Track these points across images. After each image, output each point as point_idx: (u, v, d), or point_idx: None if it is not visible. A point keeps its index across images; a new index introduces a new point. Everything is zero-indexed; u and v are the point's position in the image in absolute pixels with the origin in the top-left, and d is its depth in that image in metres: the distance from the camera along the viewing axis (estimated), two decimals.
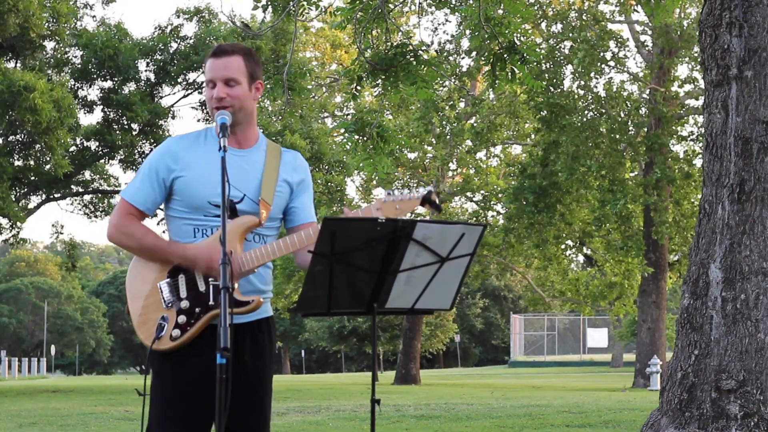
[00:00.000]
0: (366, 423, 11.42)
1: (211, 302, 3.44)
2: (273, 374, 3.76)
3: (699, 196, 17.06)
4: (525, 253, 27.58)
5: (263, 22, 19.88)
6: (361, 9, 9.12)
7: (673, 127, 25.25)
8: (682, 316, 5.99)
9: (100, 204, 26.60)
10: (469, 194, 29.17)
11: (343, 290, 3.51)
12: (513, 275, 50.31)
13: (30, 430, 11.41)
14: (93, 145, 24.98)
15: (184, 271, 3.55)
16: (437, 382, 31.29)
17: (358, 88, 9.67)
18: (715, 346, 5.73)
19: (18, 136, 23.26)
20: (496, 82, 9.05)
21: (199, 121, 26.05)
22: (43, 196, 25.70)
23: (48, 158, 22.75)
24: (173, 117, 25.25)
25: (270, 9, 9.93)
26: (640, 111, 24.93)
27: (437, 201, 3.56)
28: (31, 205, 25.78)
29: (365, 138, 10.02)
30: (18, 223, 23.57)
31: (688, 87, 25.56)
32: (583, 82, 23.84)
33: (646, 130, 25.01)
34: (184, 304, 3.52)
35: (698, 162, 24.91)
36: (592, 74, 23.76)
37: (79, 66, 24.37)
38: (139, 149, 24.97)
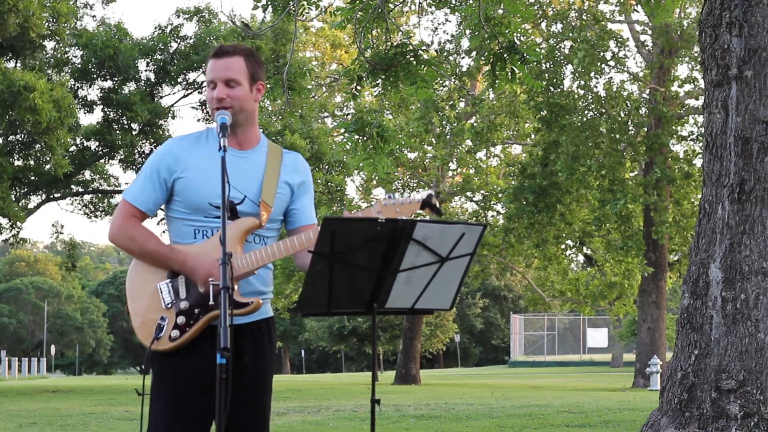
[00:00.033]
0: (366, 423, 11.42)
1: (210, 302, 3.44)
2: (273, 375, 3.76)
3: (699, 196, 17.06)
4: (525, 253, 27.58)
5: (263, 21, 19.89)
6: (361, 9, 9.12)
7: (673, 127, 25.25)
8: (682, 316, 5.99)
9: (100, 204, 26.60)
10: (469, 194, 29.17)
11: (343, 290, 3.51)
12: (513, 275, 50.34)
13: (30, 430, 11.41)
14: (93, 145, 24.97)
15: None
16: (437, 382, 31.29)
17: (358, 87, 9.67)
18: (715, 346, 5.73)
19: (18, 135, 23.26)
20: (496, 81, 9.04)
21: (199, 121, 26.06)
22: (43, 196, 25.70)
23: (48, 158, 22.75)
24: (173, 117, 25.26)
25: (270, 9, 9.93)
26: (640, 111, 24.93)
27: (437, 204, 3.57)
28: (31, 205, 25.79)
29: (365, 138, 10.01)
30: (18, 223, 23.57)
31: (688, 87, 25.56)
32: (583, 82, 23.84)
33: (646, 129, 25.01)
34: (184, 304, 3.52)
35: (698, 162, 24.91)
36: (592, 74, 23.76)
37: (79, 66, 24.37)
38: (139, 149, 24.96)
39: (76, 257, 27.66)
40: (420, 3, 12.13)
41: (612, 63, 24.55)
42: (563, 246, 27.39)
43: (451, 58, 25.22)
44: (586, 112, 24.18)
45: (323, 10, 9.55)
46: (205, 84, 3.72)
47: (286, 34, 21.71)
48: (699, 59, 8.96)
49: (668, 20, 21.43)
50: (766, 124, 5.78)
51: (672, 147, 25.67)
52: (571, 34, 23.56)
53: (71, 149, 24.01)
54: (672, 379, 5.88)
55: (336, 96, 31.66)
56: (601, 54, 23.83)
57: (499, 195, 27.43)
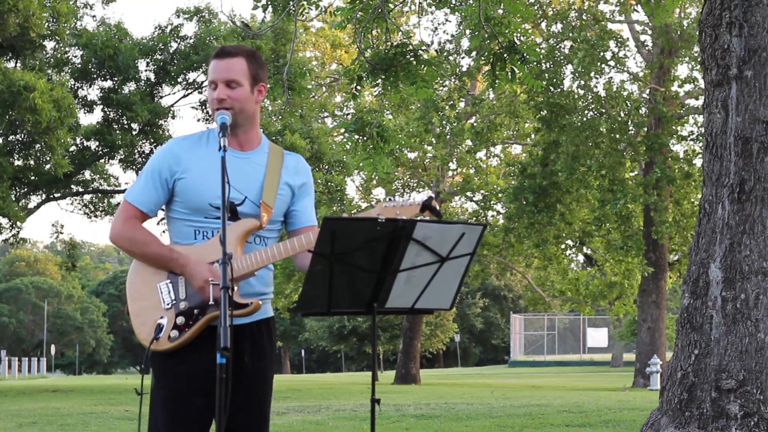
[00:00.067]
0: (366, 422, 11.42)
1: (210, 303, 3.44)
2: (273, 375, 3.76)
3: (699, 196, 17.07)
4: (525, 253, 27.59)
5: (263, 21, 19.89)
6: (361, 9, 9.11)
7: (673, 127, 25.25)
8: (682, 316, 5.99)
9: (100, 204, 26.60)
10: (469, 194, 29.17)
11: (343, 290, 3.52)
12: (513, 275, 50.34)
13: (30, 430, 11.42)
14: (93, 144, 24.97)
15: None
16: (437, 382, 31.30)
17: (358, 87, 9.66)
18: (715, 346, 5.73)
19: (18, 135, 23.26)
20: (496, 81, 9.04)
21: (199, 121, 26.06)
22: (43, 196, 25.71)
23: (48, 158, 22.75)
24: (173, 117, 25.26)
25: (270, 9, 9.92)
26: (640, 111, 24.93)
27: (437, 207, 3.59)
28: (31, 205, 25.79)
29: (365, 138, 10.01)
30: (18, 223, 23.58)
31: (688, 87, 25.57)
32: (583, 82, 23.84)
33: (646, 129, 25.02)
34: (183, 305, 3.52)
35: (698, 162, 24.91)
36: (592, 74, 23.76)
37: (79, 66, 24.37)
38: (139, 149, 24.96)
39: (76, 257, 27.66)
40: (420, 3, 12.13)
41: (612, 63, 24.55)
42: (563, 246, 27.39)
43: (451, 58, 25.23)
44: (586, 112, 24.19)
45: (323, 10, 9.55)
46: (206, 84, 3.72)
47: (286, 34, 21.71)
48: (699, 59, 8.96)
49: (668, 20, 21.43)
50: (766, 124, 5.78)
51: (672, 147, 25.68)
52: (571, 34, 23.57)
53: (71, 149, 24.01)
54: (672, 378, 5.89)
55: (336, 96, 31.67)
56: (601, 54, 23.83)
57: (499, 195, 27.43)
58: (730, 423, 5.55)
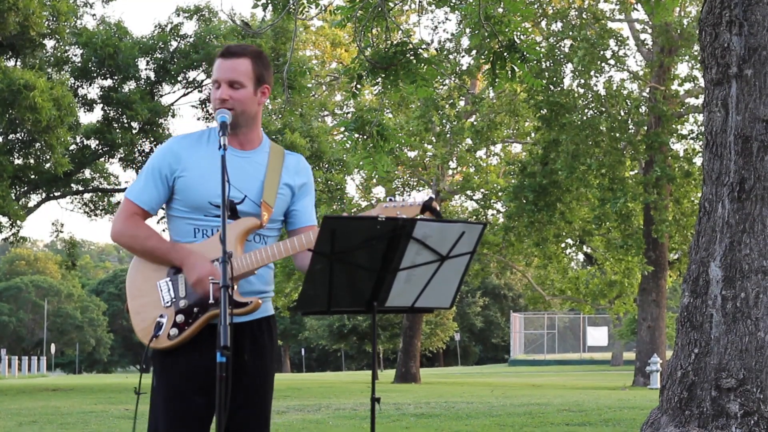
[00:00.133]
0: (366, 421, 11.41)
1: (210, 301, 3.44)
2: (274, 373, 3.76)
3: (699, 195, 17.06)
4: (525, 252, 27.59)
5: (263, 20, 19.87)
6: (361, 7, 9.11)
7: (673, 126, 25.25)
8: (682, 315, 5.99)
9: (100, 202, 26.59)
10: (469, 193, 29.18)
11: (343, 289, 3.52)
12: (513, 274, 50.29)
13: (30, 429, 11.42)
14: (93, 143, 24.96)
15: None
16: (437, 381, 31.30)
17: (358, 86, 9.66)
18: (715, 345, 5.73)
19: (18, 134, 23.25)
20: (496, 80, 9.04)
21: (199, 119, 26.04)
22: (43, 195, 25.70)
23: (48, 157, 22.73)
24: (173, 115, 25.22)
25: (270, 7, 9.92)
26: (640, 109, 24.93)
27: (437, 208, 3.59)
28: (31, 204, 25.78)
29: (365, 136, 10.01)
30: (18, 222, 23.57)
31: (688, 85, 25.57)
32: (583, 81, 23.84)
33: (646, 128, 25.01)
34: (183, 303, 3.52)
35: (698, 160, 24.91)
36: (592, 73, 23.76)
37: (79, 64, 24.35)
38: (139, 148, 24.94)
39: (76, 256, 27.65)
40: (420, 1, 12.14)
41: (612, 62, 24.55)
42: (563, 244, 27.40)
43: (451, 56, 25.22)
44: (586, 110, 24.18)
45: (323, 8, 9.55)
46: (209, 82, 3.73)
47: (286, 33, 21.70)
48: (699, 58, 8.96)
49: (668, 19, 21.43)
50: (766, 122, 5.78)
51: (672, 145, 25.68)
52: (571, 33, 23.56)
53: (71, 148, 24.00)
54: (672, 377, 5.88)
55: (336, 94, 31.67)
56: (601, 53, 23.83)
57: (499, 193, 27.43)
58: (730, 422, 5.55)
